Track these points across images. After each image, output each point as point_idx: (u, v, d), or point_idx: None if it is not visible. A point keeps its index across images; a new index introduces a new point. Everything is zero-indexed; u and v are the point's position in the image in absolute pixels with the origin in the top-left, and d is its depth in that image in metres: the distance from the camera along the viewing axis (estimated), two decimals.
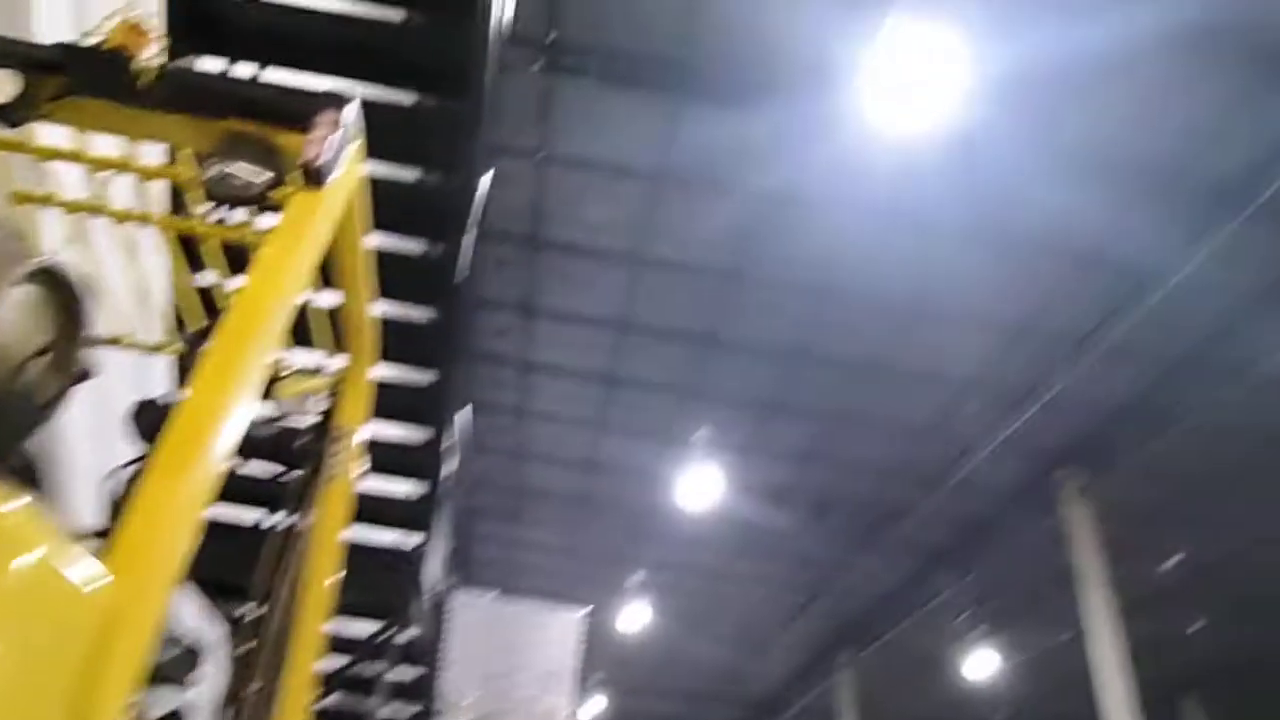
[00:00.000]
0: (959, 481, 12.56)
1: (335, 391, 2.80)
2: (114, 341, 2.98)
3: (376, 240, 4.02)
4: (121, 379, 2.96)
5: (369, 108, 3.59)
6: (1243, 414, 10.94)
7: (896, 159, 8.47)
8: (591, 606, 10.50)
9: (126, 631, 1.19)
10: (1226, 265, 9.00)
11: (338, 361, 2.78)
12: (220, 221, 2.37)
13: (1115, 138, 8.23)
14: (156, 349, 2.74)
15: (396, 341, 4.36)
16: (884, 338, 10.67)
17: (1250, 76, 7.58)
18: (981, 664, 17.39)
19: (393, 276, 4.20)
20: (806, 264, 9.83)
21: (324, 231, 1.80)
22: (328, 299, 2.55)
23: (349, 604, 4.99)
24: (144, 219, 2.33)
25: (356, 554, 4.89)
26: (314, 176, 1.73)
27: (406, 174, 4.05)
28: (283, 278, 1.63)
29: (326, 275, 2.36)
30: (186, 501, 1.36)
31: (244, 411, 1.52)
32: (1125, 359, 10.40)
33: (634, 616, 18.18)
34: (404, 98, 3.91)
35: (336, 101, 1.85)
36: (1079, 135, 8.23)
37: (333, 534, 2.92)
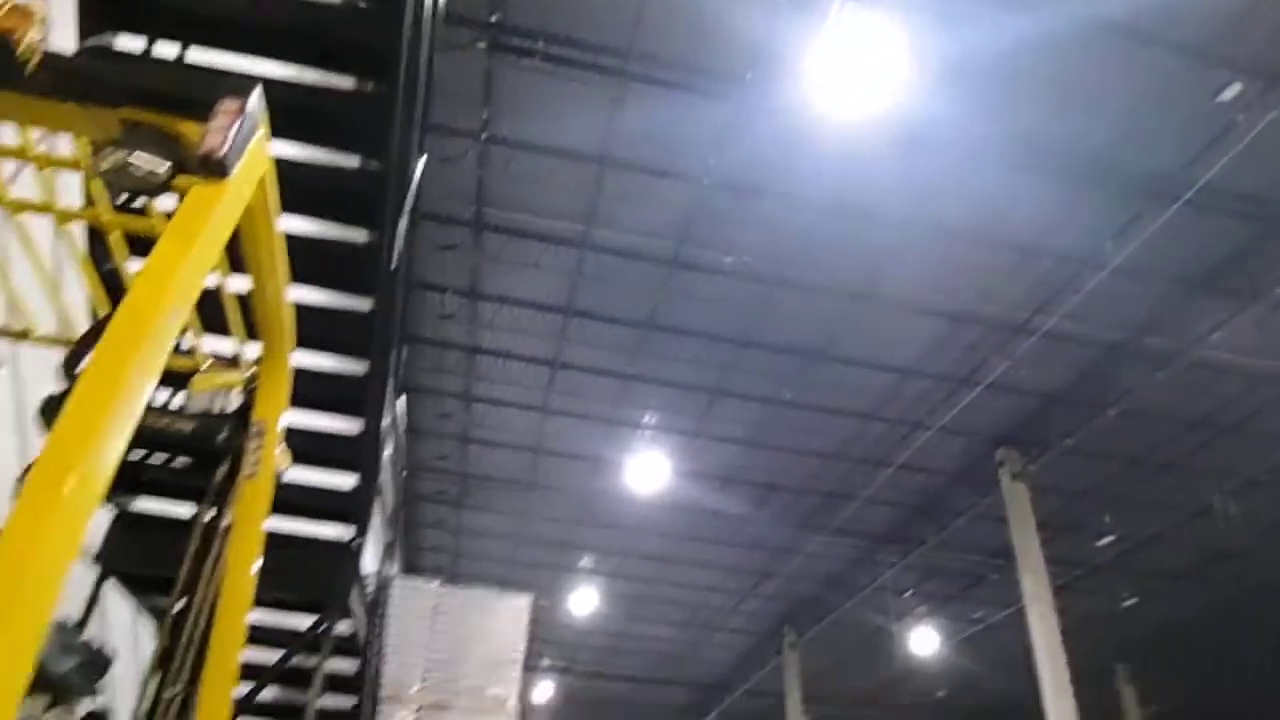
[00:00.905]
0: (901, 465, 12.77)
1: (253, 383, 2.73)
2: (22, 335, 2.87)
3: (306, 226, 3.93)
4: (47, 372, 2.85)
5: (296, 90, 3.48)
6: (1170, 398, 11.31)
7: (841, 147, 8.53)
8: (538, 592, 10.47)
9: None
10: (1157, 255, 9.27)
11: (255, 351, 2.70)
12: (127, 211, 2.28)
13: (1051, 129, 8.36)
14: (61, 342, 2.63)
15: (329, 330, 4.27)
16: (828, 323, 10.78)
17: (1181, 68, 7.76)
18: (923, 641, 17.81)
19: (325, 264, 4.12)
20: (752, 250, 9.86)
21: (226, 223, 1.73)
22: (240, 287, 2.48)
23: (284, 597, 4.92)
24: (44, 209, 2.23)
25: (292, 546, 4.82)
26: (214, 168, 1.67)
27: (337, 158, 3.93)
28: (177, 271, 1.57)
29: (241, 263, 2.29)
30: (73, 494, 1.32)
31: (135, 404, 1.47)
32: (1060, 345, 10.66)
33: (582, 601, 18.24)
34: (334, 80, 3.80)
35: (239, 87, 1.77)
36: (1016, 126, 8.35)
37: (254, 527, 2.86)
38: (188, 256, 1.60)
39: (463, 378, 12.31)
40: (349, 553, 4.87)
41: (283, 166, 2.12)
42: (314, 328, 3.29)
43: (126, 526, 4.36)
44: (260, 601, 3.00)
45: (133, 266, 2.64)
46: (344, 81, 3.82)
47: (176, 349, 2.36)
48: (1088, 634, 16.69)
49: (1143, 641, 18.45)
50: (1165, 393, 11.15)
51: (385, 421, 4.78)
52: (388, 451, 6.90)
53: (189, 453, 3.08)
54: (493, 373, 12.12)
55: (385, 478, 7.53)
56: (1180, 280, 9.90)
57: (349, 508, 4.75)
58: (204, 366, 3.01)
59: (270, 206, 2.05)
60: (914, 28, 7.31)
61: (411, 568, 16.28)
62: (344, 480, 4.68)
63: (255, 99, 1.77)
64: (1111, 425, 11.47)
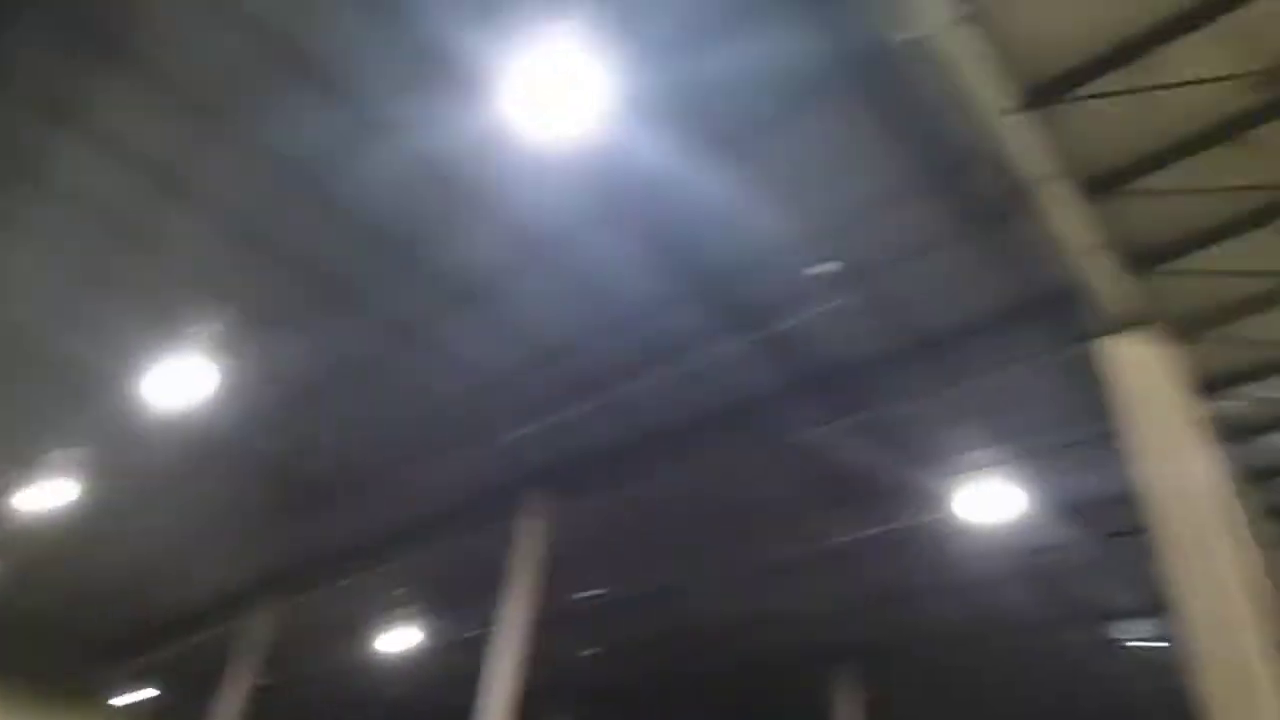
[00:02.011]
0: (444, 468, 12.81)
1: None
2: None
3: None
4: None
5: None
6: (681, 492, 12.79)
7: (520, 158, 8.47)
8: None
9: None
10: (727, 370, 10.50)
11: None
12: None
13: (691, 225, 9.05)
14: None
15: None
16: (426, 309, 10.52)
17: (783, 236, 8.89)
18: (400, 640, 17.89)
19: None
20: (377, 199, 9.32)
21: None
22: None
23: None
24: None
25: None
26: None
27: None
28: None
29: None
30: None
31: None
32: (628, 411, 11.50)
33: (50, 495, 15.50)
34: None
35: None
36: (664, 210, 8.92)
37: None
38: None
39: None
40: None
41: None
42: None
43: None
44: None
45: None
46: None
47: None
48: (548, 670, 17.96)
49: (592, 690, 20.37)
50: (685, 487, 12.60)
51: None
52: None
53: None
54: (44, 213, 9.98)
55: None
56: (726, 398, 11.21)
57: None
58: None
59: None
60: (610, 62, 7.49)
61: None
62: None
63: None
64: (633, 497, 12.64)
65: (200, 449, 13.68)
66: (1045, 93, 5.46)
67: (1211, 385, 8.42)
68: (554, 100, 7.68)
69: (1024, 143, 5.38)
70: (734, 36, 7.20)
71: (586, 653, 18.49)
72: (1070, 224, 5.96)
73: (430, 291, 10.22)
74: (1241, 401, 8.59)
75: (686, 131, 8.01)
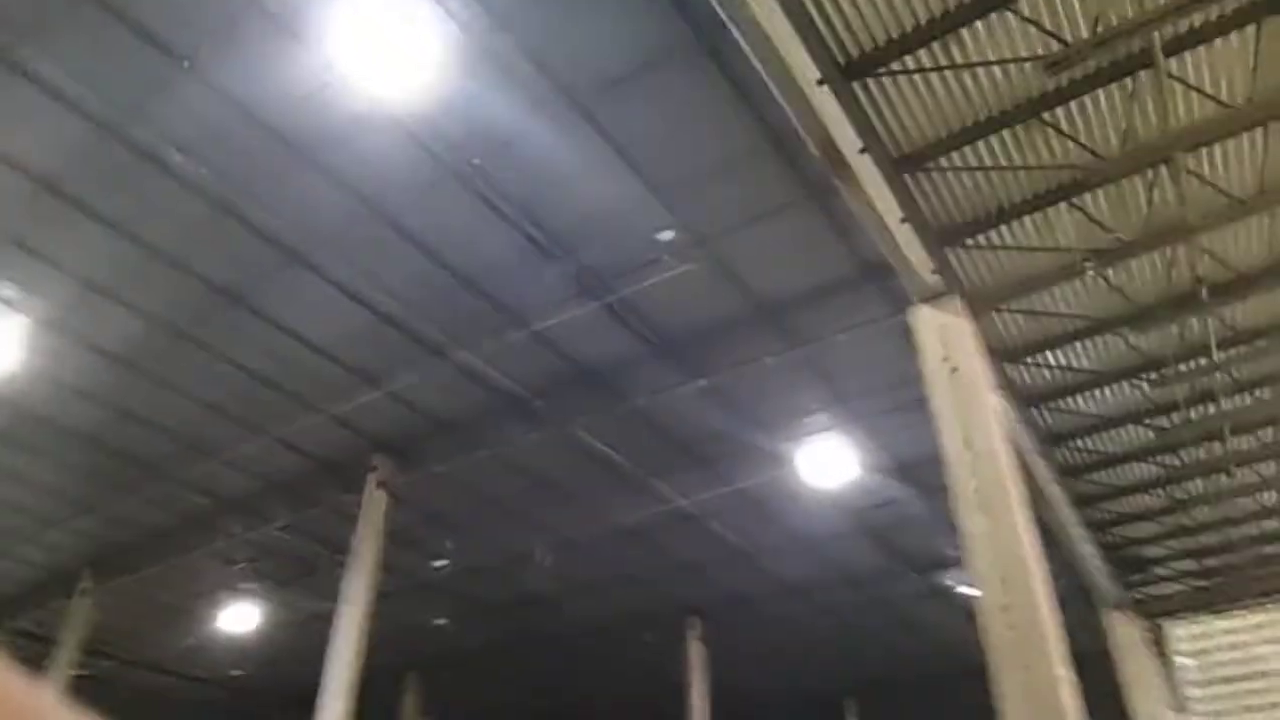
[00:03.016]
0: (278, 438, 12.27)
1: None
2: None
3: None
4: None
5: None
6: (534, 458, 12.74)
7: (355, 110, 8.05)
8: None
9: None
10: (568, 338, 10.47)
11: None
12: None
13: (537, 186, 8.89)
14: None
15: None
16: (259, 274, 9.93)
17: (642, 194, 8.90)
18: (238, 618, 17.15)
19: None
20: (210, 165, 8.70)
21: None
22: None
23: None
24: None
25: None
26: None
27: None
28: None
29: None
30: None
31: None
32: (465, 380, 11.31)
33: None
34: None
35: None
36: (517, 158, 8.72)
37: None
38: None
39: None
40: None
41: None
42: None
43: None
44: None
45: None
46: None
47: None
48: (396, 642, 17.67)
49: (439, 658, 20.18)
50: (533, 452, 12.55)
51: None
52: None
53: None
54: None
55: None
56: (575, 364, 11.22)
57: None
58: None
59: None
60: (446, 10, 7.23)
61: None
62: None
63: None
64: (481, 464, 12.49)
65: (5, 422, 12.56)
66: (857, 68, 5.62)
67: (1012, 354, 9.04)
68: (387, 49, 7.36)
69: (836, 116, 5.55)
70: None
71: (436, 622, 18.29)
72: (882, 197, 6.21)
73: (258, 252, 9.65)
74: (1041, 369, 9.26)
75: (530, 88, 7.83)
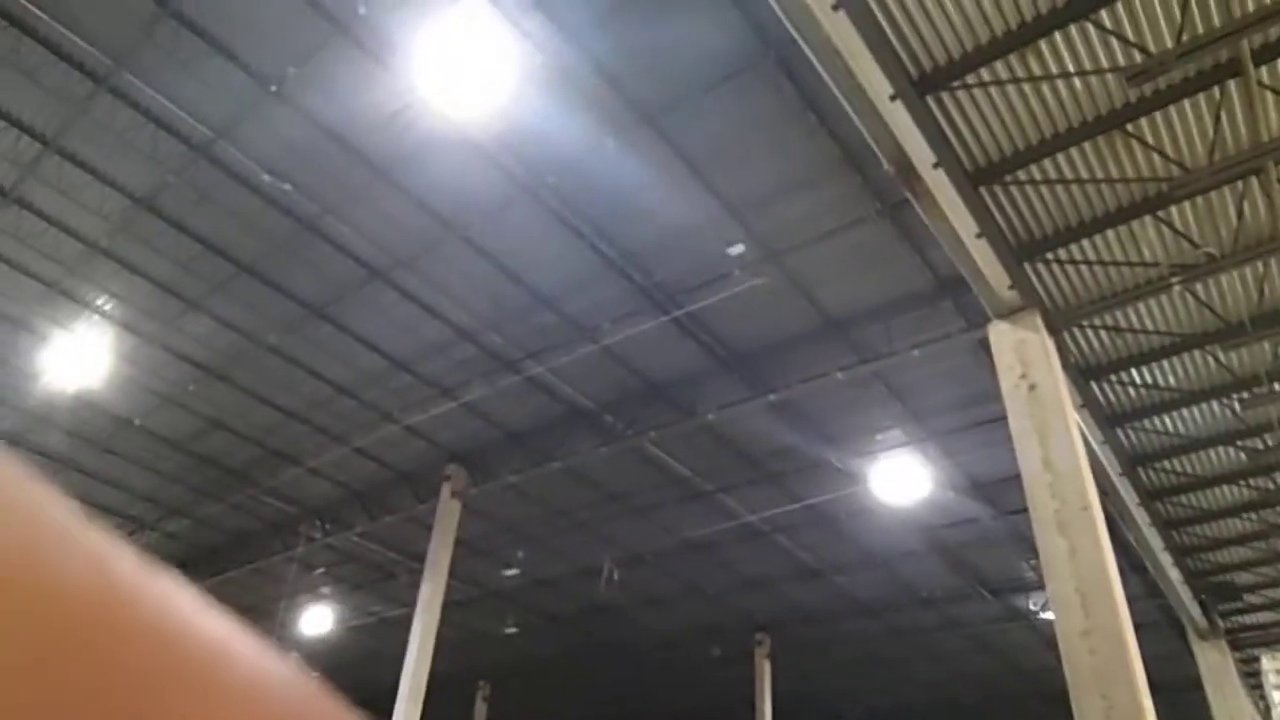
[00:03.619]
0: (358, 448, 12.63)
1: None
2: None
3: None
4: None
5: None
6: (604, 471, 12.83)
7: (433, 135, 8.33)
8: None
9: None
10: (636, 351, 10.55)
11: None
12: None
13: (608, 206, 9.03)
14: None
15: None
16: (340, 288, 10.31)
17: (714, 212, 8.96)
18: (316, 621, 17.65)
19: None
20: (296, 182, 9.08)
21: None
22: None
23: None
24: None
25: None
26: None
27: None
28: None
29: None
30: None
31: None
32: (536, 392, 11.49)
33: None
34: None
35: None
36: (583, 182, 8.88)
37: None
38: None
39: None
40: None
41: None
42: None
43: None
44: None
45: None
46: None
47: None
48: (467, 650, 17.97)
49: (509, 667, 20.42)
50: (602, 465, 12.65)
51: None
52: None
53: None
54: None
55: None
56: (645, 378, 11.30)
57: None
58: None
59: None
60: (526, 34, 7.42)
61: None
62: None
63: None
64: (552, 476, 12.64)
65: (103, 428, 13.23)
66: (931, 82, 5.59)
67: (1095, 372, 8.77)
68: (466, 74, 7.58)
69: (909, 130, 5.51)
70: (651, 14, 7.18)
71: (507, 630, 18.52)
72: (957, 212, 6.13)
73: (341, 268, 10.02)
74: (1125, 387, 8.97)
75: (603, 106, 7.97)
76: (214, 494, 14.70)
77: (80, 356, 11.37)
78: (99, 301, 11.13)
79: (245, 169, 9.00)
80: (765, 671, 17.82)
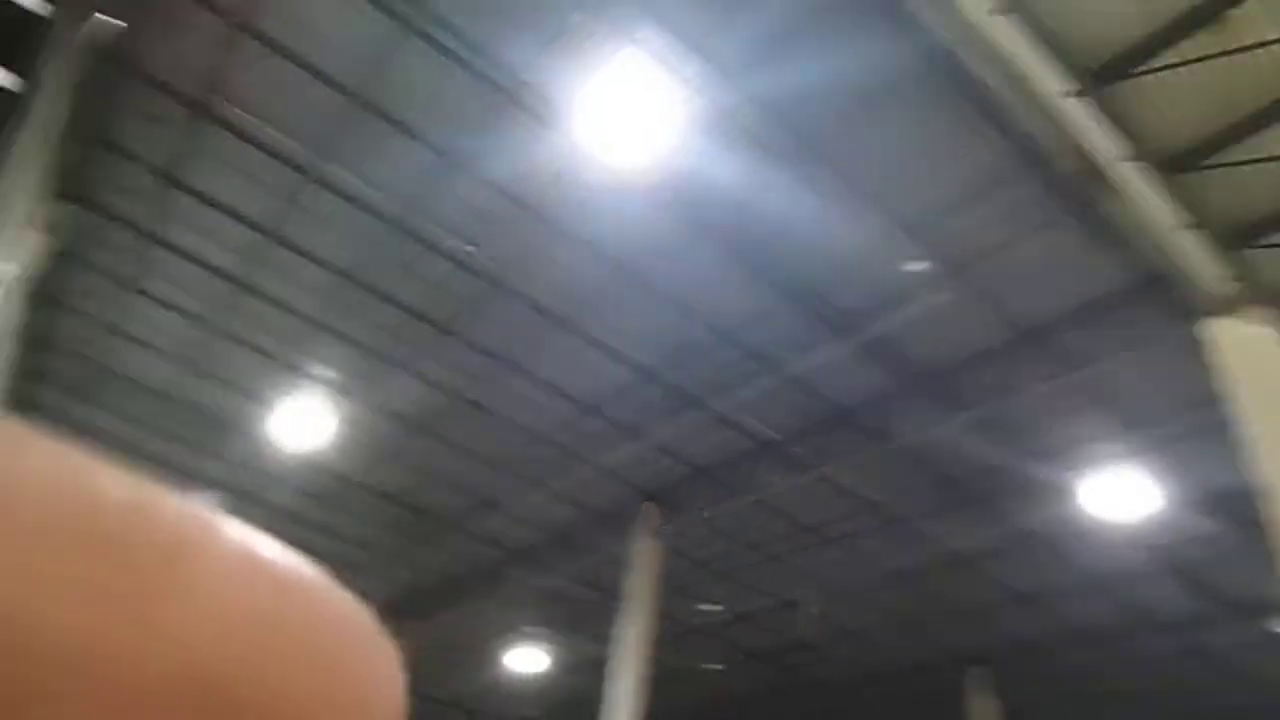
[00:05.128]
0: (556, 491, 13.18)
1: None
2: None
3: None
4: None
5: None
6: (795, 502, 12.71)
7: (596, 180, 8.76)
8: None
9: None
10: (821, 379, 10.46)
11: None
12: None
13: (778, 237, 9.10)
14: None
15: None
16: (528, 339, 10.91)
17: (888, 229, 8.83)
18: (525, 661, 18.38)
19: None
20: (479, 242, 9.78)
21: None
22: None
23: None
24: None
25: None
26: None
27: None
28: None
29: None
30: None
31: None
32: (723, 428, 11.60)
33: None
34: None
35: None
36: (750, 218, 9.01)
37: None
38: None
39: (134, 264, 11.00)
40: None
41: None
42: None
43: None
44: None
45: None
46: None
47: None
48: (668, 687, 18.08)
49: (713, 703, 20.36)
50: (793, 496, 12.55)
51: None
52: None
53: None
54: (168, 269, 10.94)
55: None
56: (831, 405, 11.16)
57: None
58: None
59: None
60: (689, 81, 7.68)
61: None
62: None
63: None
64: (743, 510, 12.68)
65: (325, 484, 14.52)
66: (1108, 72, 5.32)
67: None
68: (628, 122, 7.95)
69: (1090, 126, 5.26)
70: (807, 46, 7.27)
71: (707, 667, 18.50)
72: (1152, 204, 5.75)
73: (527, 319, 10.61)
74: None
75: (764, 142, 8.11)
76: (426, 541, 15.72)
77: (302, 421, 12.60)
78: (316, 370, 12.33)
79: (433, 235, 9.77)
80: (982, 705, 16.80)
